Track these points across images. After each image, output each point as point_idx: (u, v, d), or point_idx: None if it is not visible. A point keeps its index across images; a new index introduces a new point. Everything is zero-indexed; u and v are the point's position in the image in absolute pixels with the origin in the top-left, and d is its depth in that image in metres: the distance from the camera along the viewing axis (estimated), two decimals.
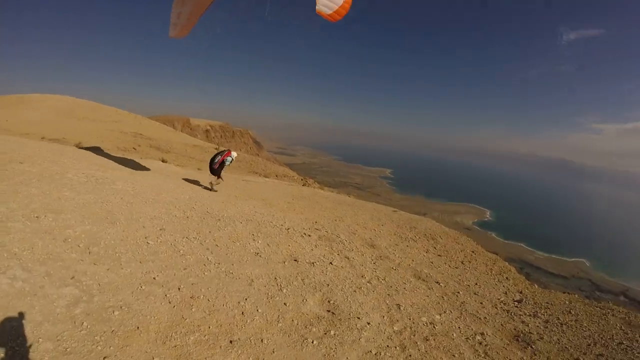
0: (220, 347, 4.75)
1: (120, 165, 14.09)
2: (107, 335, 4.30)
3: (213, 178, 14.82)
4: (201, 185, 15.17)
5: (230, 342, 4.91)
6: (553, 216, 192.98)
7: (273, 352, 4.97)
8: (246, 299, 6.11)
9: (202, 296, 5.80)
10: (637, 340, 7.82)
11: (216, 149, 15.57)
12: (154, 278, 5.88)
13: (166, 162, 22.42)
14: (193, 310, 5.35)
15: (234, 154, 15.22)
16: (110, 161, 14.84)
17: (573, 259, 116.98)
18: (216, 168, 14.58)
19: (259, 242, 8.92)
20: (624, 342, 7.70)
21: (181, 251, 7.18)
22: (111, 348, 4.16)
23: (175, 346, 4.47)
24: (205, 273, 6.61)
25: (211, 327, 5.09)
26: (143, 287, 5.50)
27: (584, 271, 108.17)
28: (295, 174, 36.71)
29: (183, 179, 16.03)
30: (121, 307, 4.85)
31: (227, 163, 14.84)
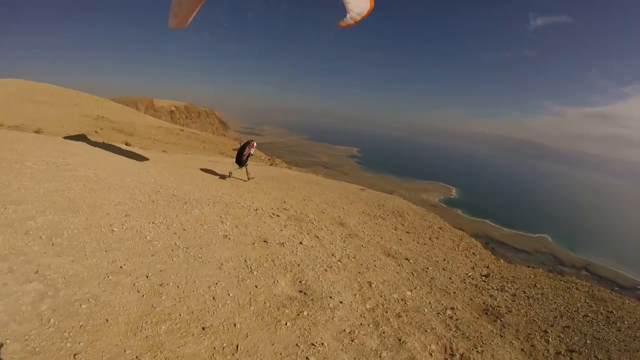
0: (193, 334, 4.80)
1: (82, 151, 13.73)
2: (76, 331, 4.28)
3: (235, 167, 15.86)
4: (192, 168, 15.05)
5: (203, 328, 4.97)
6: (517, 194, 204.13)
7: (247, 336, 5.06)
8: (216, 284, 6.18)
9: (171, 283, 5.82)
10: (601, 313, 8.29)
11: (238, 141, 16.33)
12: (121, 267, 5.86)
13: (130, 145, 21.95)
14: (163, 298, 5.37)
15: (255, 144, 16.11)
16: (72, 146, 14.42)
17: (536, 235, 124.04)
18: (244, 160, 15.46)
19: (228, 224, 8.95)
20: (589, 314, 8.16)
21: (148, 237, 7.15)
22: (81, 344, 4.15)
23: (147, 337, 4.49)
24: (174, 259, 6.63)
25: (182, 315, 5.13)
26: (110, 277, 5.48)
27: (546, 246, 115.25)
28: (262, 153, 36.69)
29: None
30: (88, 300, 4.83)
31: (252, 153, 15.91)
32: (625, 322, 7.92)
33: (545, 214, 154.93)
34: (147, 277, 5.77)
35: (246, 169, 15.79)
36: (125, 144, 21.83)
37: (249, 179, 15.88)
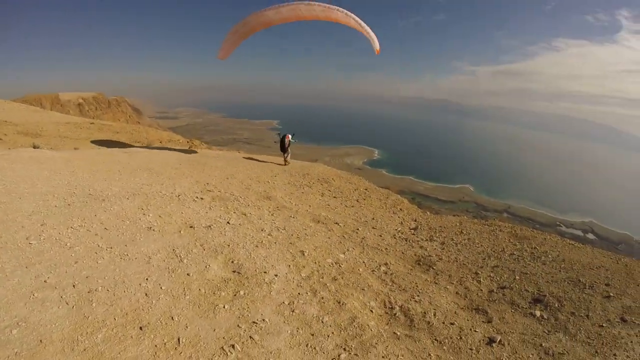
0: (132, 336, 5.03)
1: None
2: None
3: (284, 156, 20.96)
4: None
5: (140, 328, 5.22)
6: (437, 150, 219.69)
7: (186, 327, 5.40)
8: (147, 279, 6.43)
9: (100, 288, 5.98)
10: (525, 250, 9.32)
11: (278, 135, 19.02)
12: (45, 281, 5.91)
13: (38, 147, 20.84)
14: (94, 305, 5.53)
15: (289, 136, 21.06)
16: None
17: (458, 186, 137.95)
18: (287, 147, 20.45)
19: (150, 215, 9.13)
20: (515, 252, 9.18)
21: (68, 244, 7.20)
22: None
23: (85, 349, 4.68)
24: (99, 261, 6.78)
25: (117, 319, 5.33)
26: (35, 295, 5.52)
27: (468, 195, 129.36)
28: (180, 137, 36.06)
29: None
30: (18, 324, 4.90)
31: (293, 141, 21.26)
32: (549, 256, 8.97)
33: (464, 166, 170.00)
34: (73, 286, 5.87)
35: (287, 155, 20.56)
36: (34, 147, 20.74)
37: (285, 162, 20.45)
